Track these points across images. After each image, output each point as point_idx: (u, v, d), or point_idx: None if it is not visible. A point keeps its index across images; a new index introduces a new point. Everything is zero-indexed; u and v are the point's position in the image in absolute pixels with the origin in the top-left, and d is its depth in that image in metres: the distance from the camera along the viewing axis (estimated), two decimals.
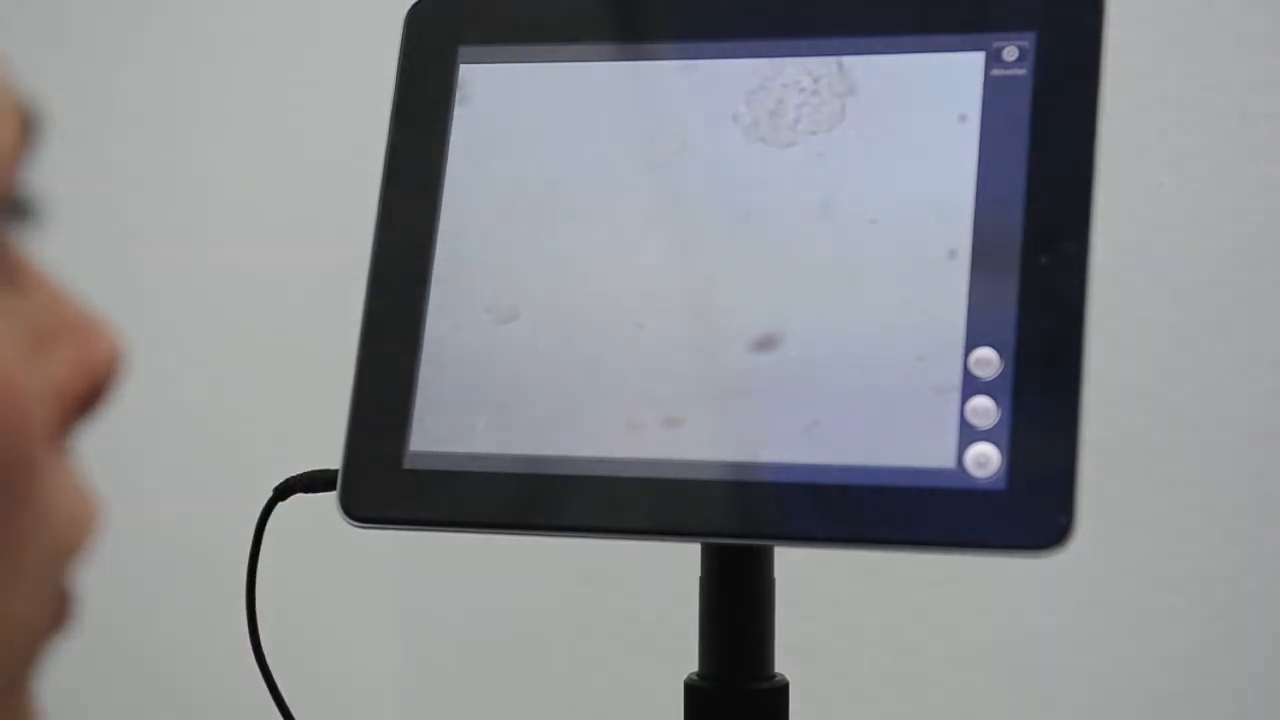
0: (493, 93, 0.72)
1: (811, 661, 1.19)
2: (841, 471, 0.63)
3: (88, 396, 0.39)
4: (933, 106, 0.66)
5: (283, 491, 0.73)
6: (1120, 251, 1.10)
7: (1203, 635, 1.11)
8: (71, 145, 1.26)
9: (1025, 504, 0.61)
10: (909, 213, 0.66)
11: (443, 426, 0.68)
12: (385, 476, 0.68)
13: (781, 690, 0.70)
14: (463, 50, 0.72)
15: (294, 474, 0.73)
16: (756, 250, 0.67)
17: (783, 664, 0.70)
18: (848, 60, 0.68)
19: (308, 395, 1.26)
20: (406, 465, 0.68)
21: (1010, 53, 0.66)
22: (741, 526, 0.64)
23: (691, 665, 0.70)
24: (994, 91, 0.66)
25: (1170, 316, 1.11)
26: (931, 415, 0.63)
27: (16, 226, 0.38)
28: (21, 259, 0.38)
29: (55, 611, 0.38)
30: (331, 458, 0.69)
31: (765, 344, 0.66)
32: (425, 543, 1.31)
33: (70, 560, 0.38)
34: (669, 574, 1.20)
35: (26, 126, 0.38)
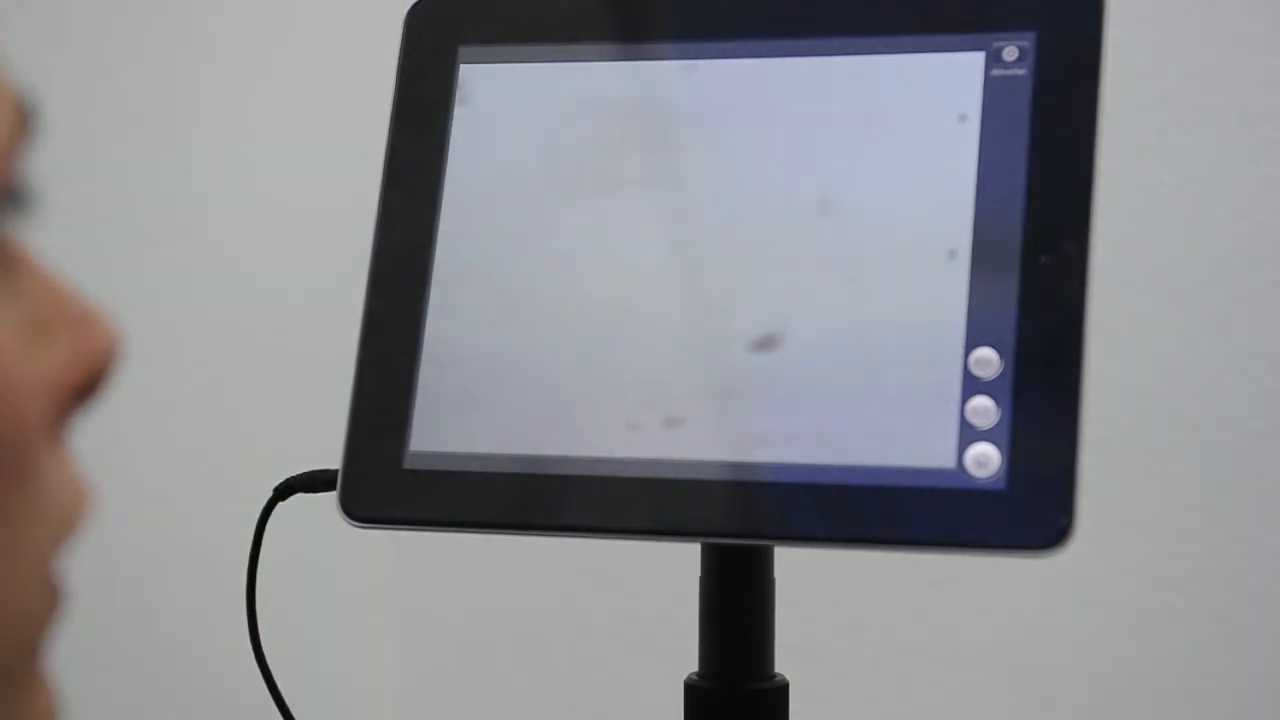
0: (493, 93, 0.72)
1: (811, 661, 1.19)
2: (841, 471, 0.63)
3: (84, 387, 0.39)
4: (933, 106, 0.66)
5: (283, 491, 0.73)
6: (1120, 251, 1.10)
7: (1203, 635, 1.11)
8: (71, 145, 1.26)
9: (1025, 504, 0.61)
10: (909, 213, 0.66)
11: (443, 426, 0.68)
12: (385, 476, 0.68)
13: (781, 690, 0.70)
14: (463, 50, 0.72)
15: (294, 474, 0.73)
16: (756, 250, 0.67)
17: (783, 664, 0.70)
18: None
19: (308, 395, 1.26)
20: (406, 465, 0.68)
21: (1010, 53, 0.66)
22: (741, 526, 0.64)
23: (691, 665, 0.70)
24: (994, 91, 0.66)
25: (1170, 316, 1.11)
26: (931, 415, 0.63)
27: (13, 218, 0.38)
28: (18, 250, 0.38)
29: (49, 600, 0.38)
30: (331, 458, 0.69)
31: (765, 344, 0.66)
32: (425, 543, 1.31)
33: (61, 546, 0.38)
34: (669, 574, 1.19)
35: (22, 118, 0.38)
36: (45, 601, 0.38)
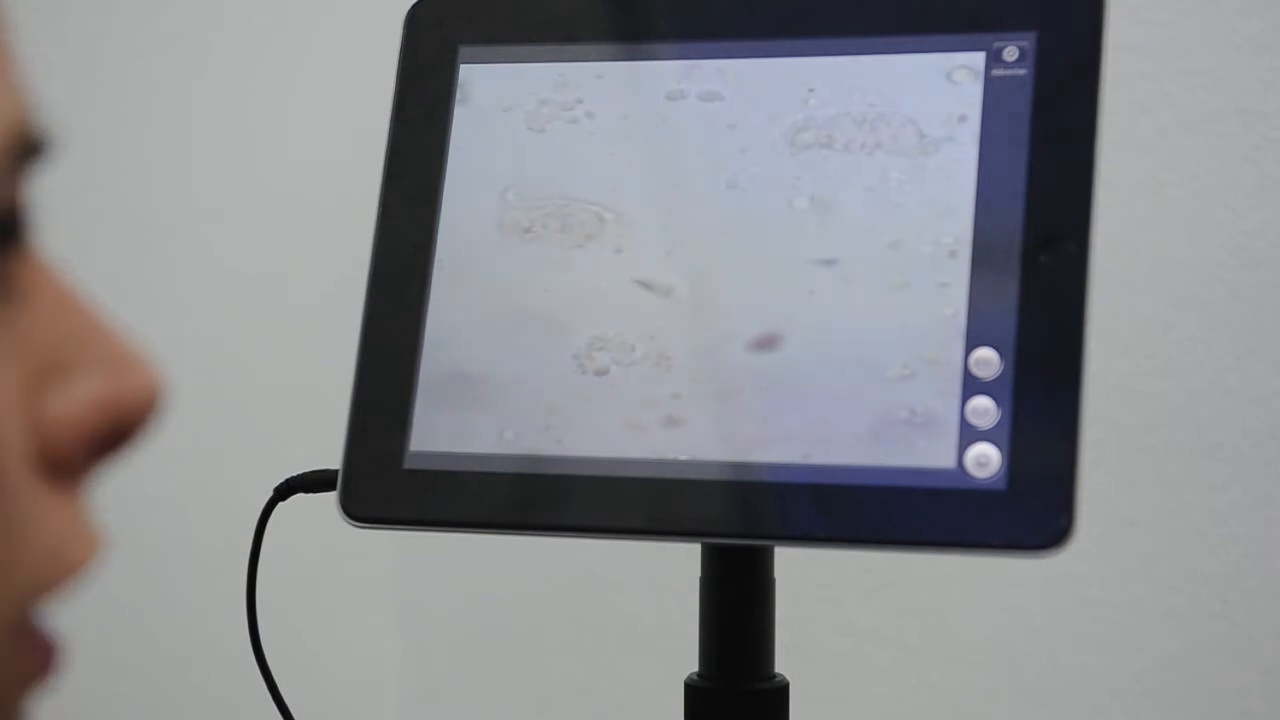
0: (493, 93, 0.72)
1: (811, 661, 1.19)
2: (841, 471, 0.63)
3: (113, 433, 0.36)
4: (933, 106, 0.66)
5: (283, 491, 0.73)
6: (1120, 251, 1.10)
7: (1203, 635, 1.11)
8: (71, 146, 1.25)
9: (1025, 504, 0.61)
10: (909, 213, 0.66)
11: (443, 426, 0.68)
12: (385, 476, 0.68)
13: (781, 690, 0.70)
14: (463, 50, 0.72)
15: (294, 474, 0.73)
16: (756, 250, 0.67)
17: (783, 664, 0.70)
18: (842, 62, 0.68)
19: (308, 395, 1.26)
20: (406, 465, 0.68)
21: (1010, 53, 0.66)
22: (741, 526, 0.64)
23: (691, 665, 0.70)
24: (994, 91, 0.66)
25: (1170, 316, 1.11)
26: (931, 415, 0.63)
27: (7, 246, 0.35)
28: (31, 283, 0.35)
29: (34, 654, 0.36)
30: (331, 458, 0.69)
31: (765, 344, 0.66)
32: (425, 543, 1.31)
33: (43, 596, 0.35)
34: (669, 574, 1.19)
35: (26, 143, 0.36)
36: (24, 657, 0.35)
